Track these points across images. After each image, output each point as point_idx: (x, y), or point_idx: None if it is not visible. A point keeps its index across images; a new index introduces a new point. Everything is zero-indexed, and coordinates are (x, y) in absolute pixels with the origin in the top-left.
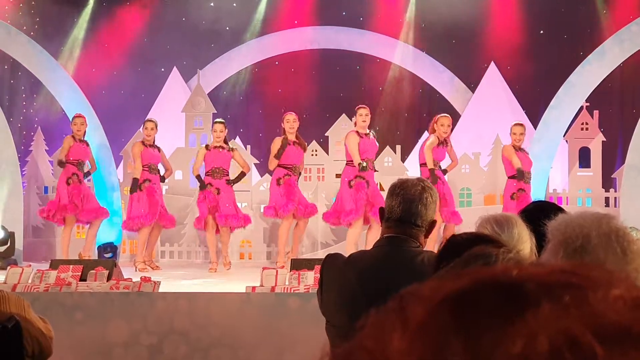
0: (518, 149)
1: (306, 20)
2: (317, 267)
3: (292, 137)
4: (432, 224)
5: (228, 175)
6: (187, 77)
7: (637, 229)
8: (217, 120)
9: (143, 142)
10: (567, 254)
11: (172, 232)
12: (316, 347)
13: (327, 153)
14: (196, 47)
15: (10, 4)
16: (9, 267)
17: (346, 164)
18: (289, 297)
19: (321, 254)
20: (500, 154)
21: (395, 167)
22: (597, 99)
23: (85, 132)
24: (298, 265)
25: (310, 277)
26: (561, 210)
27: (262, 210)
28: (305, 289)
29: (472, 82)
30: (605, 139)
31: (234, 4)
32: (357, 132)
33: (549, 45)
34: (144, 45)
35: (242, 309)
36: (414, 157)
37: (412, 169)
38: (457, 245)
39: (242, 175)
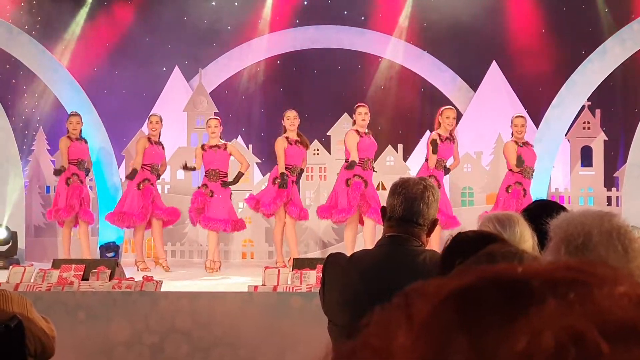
0: (521, 143)
1: (307, 19)
2: (320, 267)
3: (293, 135)
4: (434, 222)
5: (226, 176)
6: (188, 76)
7: (639, 227)
8: (211, 117)
9: (149, 139)
10: (568, 252)
11: (174, 231)
12: (319, 346)
13: (329, 152)
14: (197, 46)
15: (12, 3)
16: (11, 267)
17: (345, 161)
18: (291, 296)
19: (323, 253)
20: (501, 153)
21: (397, 167)
22: (599, 98)
23: (81, 130)
24: (300, 264)
25: (313, 277)
26: (564, 209)
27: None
28: (307, 288)
29: (473, 81)
30: (607, 138)
31: (235, 3)
32: (356, 130)
33: (551, 44)
34: (145, 45)
35: (244, 308)
36: (415, 156)
37: (414, 169)
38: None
39: (239, 175)
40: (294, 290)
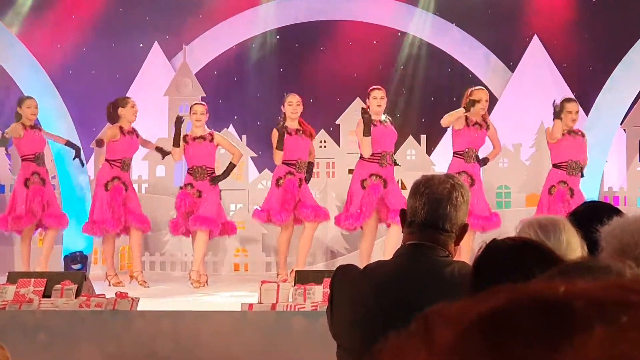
0: (570, 132)
1: None
2: (327, 281)
3: (294, 124)
4: (464, 228)
5: (213, 172)
6: (170, 54)
7: None
8: (197, 102)
9: (121, 128)
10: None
11: (153, 240)
12: None
13: (339, 145)
14: (181, 18)
15: None
16: None
17: (360, 159)
18: (293, 316)
19: (331, 265)
20: (544, 146)
21: (419, 161)
22: None
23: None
24: (304, 278)
25: (319, 293)
26: (617, 212)
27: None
28: (312, 306)
29: (511, 60)
30: None
31: None
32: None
33: (603, 16)
34: (118, 17)
35: (236, 330)
36: (441, 149)
37: (440, 164)
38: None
39: (230, 167)
40: (296, 309)
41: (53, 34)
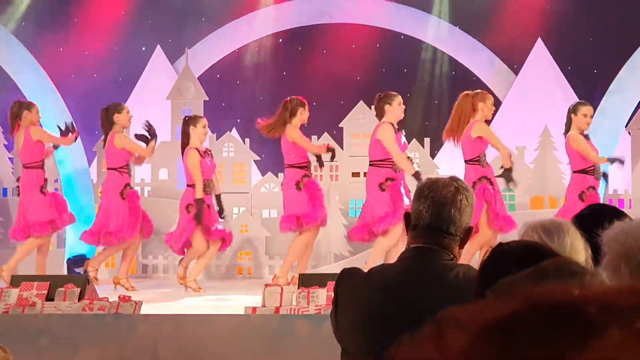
0: (586, 136)
1: None
2: (331, 284)
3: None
4: (468, 231)
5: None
6: (172, 57)
7: None
8: (200, 116)
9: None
10: (630, 270)
11: (156, 243)
12: None
13: (342, 148)
14: (183, 21)
15: None
16: None
17: (371, 165)
18: (297, 319)
19: (335, 268)
20: (548, 149)
21: (423, 165)
22: None
23: None
24: (307, 281)
25: (322, 296)
26: (623, 215)
27: (280, 222)
28: (316, 310)
29: (515, 62)
30: None
31: None
32: (391, 123)
33: (608, 17)
34: (121, 20)
35: (240, 334)
36: (445, 152)
37: (443, 167)
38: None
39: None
40: (300, 313)
41: (55, 37)
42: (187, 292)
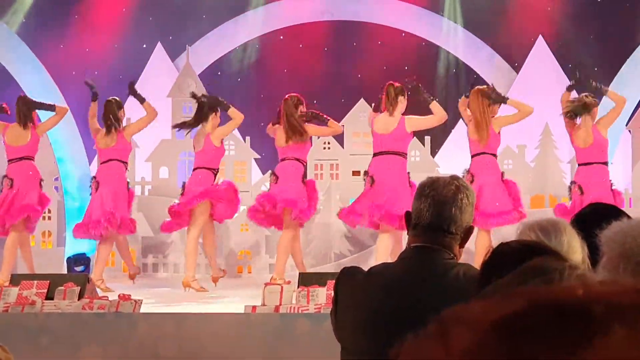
0: None
1: None
2: (331, 283)
3: None
4: (469, 230)
5: None
6: (173, 54)
7: None
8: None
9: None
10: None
11: (157, 242)
12: None
13: (343, 146)
14: (184, 19)
15: None
16: None
17: (399, 155)
18: (297, 318)
19: (335, 267)
20: (549, 147)
21: (423, 163)
22: None
23: None
24: (307, 280)
25: (322, 295)
26: (624, 215)
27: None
28: (316, 308)
29: (516, 60)
30: None
31: None
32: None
33: (609, 14)
34: (122, 18)
35: (240, 332)
36: (446, 150)
37: (444, 165)
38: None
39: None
40: (300, 312)
41: (55, 34)
42: (187, 291)
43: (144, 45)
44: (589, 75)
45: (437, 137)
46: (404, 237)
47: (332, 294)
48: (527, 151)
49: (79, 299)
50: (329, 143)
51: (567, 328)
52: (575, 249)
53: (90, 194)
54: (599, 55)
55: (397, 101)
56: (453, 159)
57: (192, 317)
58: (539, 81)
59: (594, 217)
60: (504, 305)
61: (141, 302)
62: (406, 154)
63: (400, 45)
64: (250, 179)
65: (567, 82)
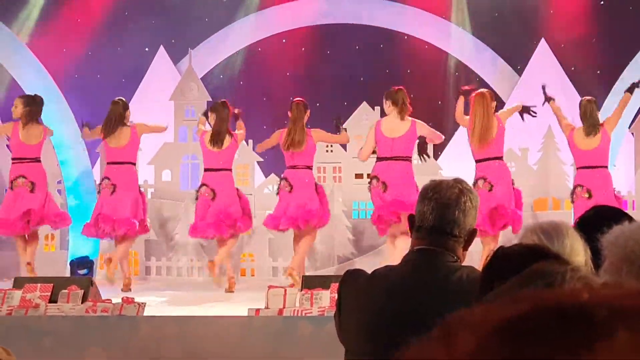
0: None
1: None
2: (334, 286)
3: None
4: (472, 233)
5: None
6: (176, 58)
7: None
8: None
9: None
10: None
11: (159, 245)
12: None
13: (345, 149)
14: (186, 22)
15: None
16: None
17: (406, 160)
18: (300, 321)
19: (339, 270)
20: (552, 150)
21: (426, 166)
22: None
23: None
24: (311, 283)
25: (326, 298)
26: (628, 218)
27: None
28: (319, 311)
29: (519, 63)
30: None
31: None
32: None
33: (611, 17)
34: (124, 21)
35: (243, 335)
36: (449, 153)
37: (447, 168)
38: (507, 260)
39: None
40: (303, 314)
41: (58, 38)
42: (190, 293)
43: (146, 49)
44: None
45: None
46: None
47: (336, 296)
48: (529, 154)
49: (82, 302)
50: (331, 146)
51: (570, 331)
52: (578, 251)
53: (99, 193)
54: (602, 58)
55: (407, 105)
56: (456, 161)
57: (195, 320)
58: (542, 84)
59: (598, 220)
60: (507, 308)
61: (144, 305)
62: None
63: (403, 49)
64: (253, 182)
65: (570, 85)
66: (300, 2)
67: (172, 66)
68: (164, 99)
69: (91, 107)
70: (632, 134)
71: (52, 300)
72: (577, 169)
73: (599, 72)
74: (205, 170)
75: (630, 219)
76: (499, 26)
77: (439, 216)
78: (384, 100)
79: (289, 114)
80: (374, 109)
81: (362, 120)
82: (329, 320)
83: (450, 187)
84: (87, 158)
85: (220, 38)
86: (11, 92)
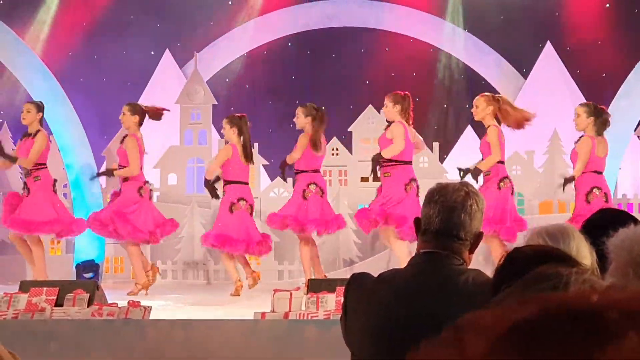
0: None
1: None
2: (340, 289)
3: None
4: (479, 236)
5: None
6: (181, 61)
7: None
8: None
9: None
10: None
11: (166, 248)
12: None
13: (351, 152)
14: (192, 25)
15: None
16: None
17: (402, 164)
18: (306, 325)
19: (344, 274)
20: (557, 153)
21: (432, 169)
22: None
23: None
24: (316, 286)
25: (332, 301)
26: (634, 220)
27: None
28: (325, 315)
29: (524, 66)
30: None
31: None
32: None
33: (617, 20)
34: (130, 24)
35: (249, 339)
36: (454, 156)
37: (452, 172)
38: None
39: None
40: (309, 318)
41: (64, 41)
42: (196, 296)
43: (152, 52)
44: None
45: (446, 142)
46: None
47: (342, 300)
48: (535, 157)
49: (88, 306)
50: (337, 149)
51: (581, 334)
52: (584, 254)
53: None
54: (607, 61)
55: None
56: (461, 164)
57: (201, 324)
58: (548, 87)
59: (604, 223)
60: (517, 311)
61: (150, 309)
62: None
63: (408, 52)
64: (259, 186)
65: (576, 89)
66: (306, 6)
67: (178, 69)
68: (169, 102)
69: (96, 110)
70: (638, 137)
71: (58, 304)
72: (586, 172)
73: (604, 75)
74: (240, 183)
75: (636, 222)
76: (504, 29)
77: (445, 219)
78: (392, 104)
79: (311, 120)
80: (379, 113)
81: (368, 124)
82: (335, 324)
83: (456, 190)
84: (93, 161)
85: (226, 41)
86: (19, 96)
